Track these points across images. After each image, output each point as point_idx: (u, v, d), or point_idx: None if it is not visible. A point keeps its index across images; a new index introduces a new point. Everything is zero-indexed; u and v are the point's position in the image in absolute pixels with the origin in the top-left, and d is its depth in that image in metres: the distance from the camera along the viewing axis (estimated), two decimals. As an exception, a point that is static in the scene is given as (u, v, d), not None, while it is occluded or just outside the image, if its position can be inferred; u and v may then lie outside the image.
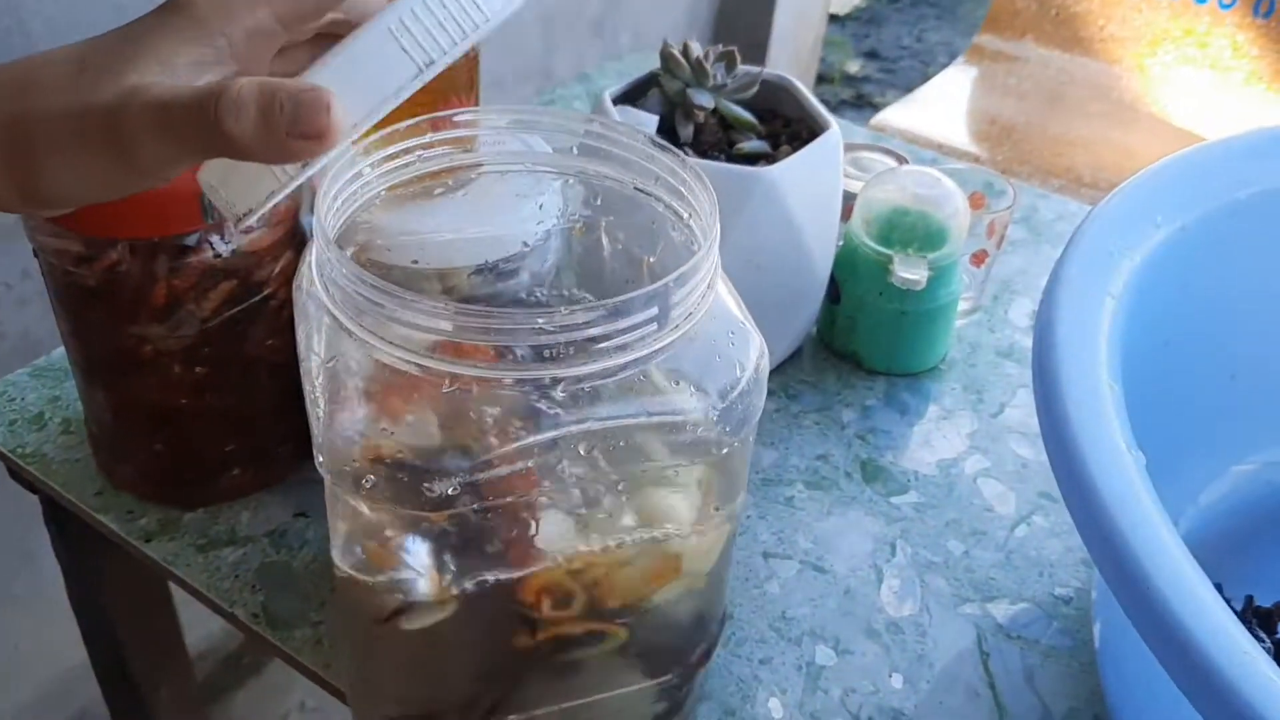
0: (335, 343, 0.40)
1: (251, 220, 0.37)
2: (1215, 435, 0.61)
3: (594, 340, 0.37)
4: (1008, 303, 0.81)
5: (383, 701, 0.48)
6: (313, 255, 0.42)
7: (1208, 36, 1.59)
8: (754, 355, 0.43)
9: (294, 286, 0.45)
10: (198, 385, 0.56)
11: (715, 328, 0.42)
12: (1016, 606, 0.60)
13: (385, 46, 0.36)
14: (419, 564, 0.41)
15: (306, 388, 0.41)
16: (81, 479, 0.62)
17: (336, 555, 0.42)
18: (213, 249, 0.52)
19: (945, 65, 2.75)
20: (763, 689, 0.55)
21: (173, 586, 0.75)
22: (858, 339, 0.73)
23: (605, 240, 0.52)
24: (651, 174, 0.46)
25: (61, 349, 0.69)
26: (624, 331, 0.38)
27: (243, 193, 0.37)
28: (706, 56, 0.67)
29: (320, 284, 0.40)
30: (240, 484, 0.61)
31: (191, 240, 0.52)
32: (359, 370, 0.39)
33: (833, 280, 0.72)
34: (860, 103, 2.63)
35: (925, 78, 2.73)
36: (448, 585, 0.41)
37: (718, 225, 0.41)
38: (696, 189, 0.44)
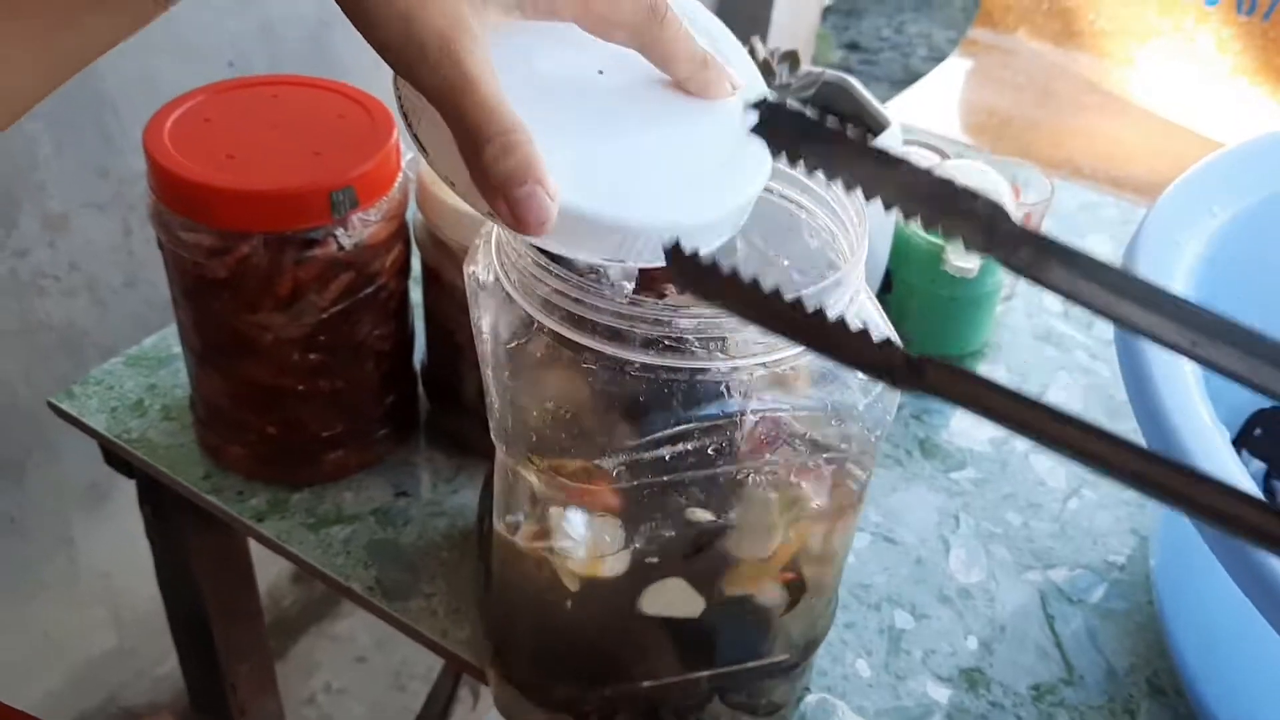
0: (515, 325, 0.43)
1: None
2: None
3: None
4: (1041, 290, 0.85)
5: (528, 670, 0.51)
6: (491, 241, 0.45)
7: (1194, 32, 1.65)
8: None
9: (466, 273, 0.48)
10: (312, 370, 0.59)
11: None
12: (1075, 572, 0.64)
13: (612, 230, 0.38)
14: (578, 534, 0.44)
15: (485, 367, 0.43)
16: (188, 462, 0.65)
17: (500, 525, 0.46)
18: (337, 242, 0.55)
19: (925, 57, 2.81)
20: (849, 651, 0.59)
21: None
22: (909, 325, 0.77)
23: (740, 242, 0.55)
24: (797, 183, 0.49)
25: (155, 338, 0.72)
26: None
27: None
28: (772, 56, 0.71)
29: (500, 269, 0.43)
30: (342, 464, 0.64)
31: (318, 234, 0.55)
32: (536, 351, 0.42)
33: (885, 270, 0.76)
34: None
35: (906, 70, 2.78)
36: (604, 555, 0.45)
37: (866, 234, 0.45)
38: (845, 201, 0.47)
